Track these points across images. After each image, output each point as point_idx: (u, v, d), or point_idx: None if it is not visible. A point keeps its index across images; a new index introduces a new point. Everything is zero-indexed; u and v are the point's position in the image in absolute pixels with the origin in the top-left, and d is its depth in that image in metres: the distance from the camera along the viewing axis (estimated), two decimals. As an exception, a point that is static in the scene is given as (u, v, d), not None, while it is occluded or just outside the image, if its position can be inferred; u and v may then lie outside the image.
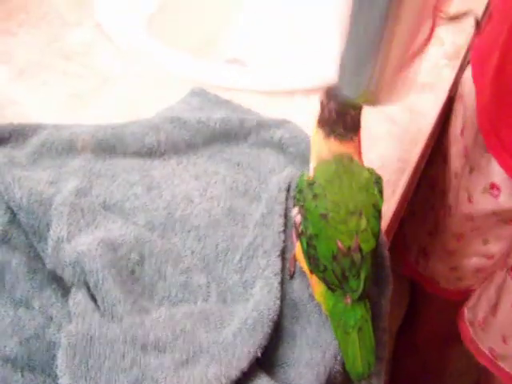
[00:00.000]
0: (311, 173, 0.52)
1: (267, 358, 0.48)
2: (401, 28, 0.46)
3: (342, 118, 0.51)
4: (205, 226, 0.58)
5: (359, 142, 0.52)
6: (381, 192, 0.51)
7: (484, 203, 0.83)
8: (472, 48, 0.84)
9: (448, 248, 0.96)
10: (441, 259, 0.99)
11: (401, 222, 1.03)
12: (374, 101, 0.52)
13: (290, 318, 0.52)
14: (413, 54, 0.49)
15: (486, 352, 0.94)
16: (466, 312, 0.99)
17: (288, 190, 0.61)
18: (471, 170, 0.84)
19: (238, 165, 0.65)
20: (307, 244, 0.50)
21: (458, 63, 0.91)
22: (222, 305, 0.52)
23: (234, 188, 0.62)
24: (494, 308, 0.90)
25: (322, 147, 0.52)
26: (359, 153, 0.53)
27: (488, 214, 0.84)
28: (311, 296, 0.53)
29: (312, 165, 0.53)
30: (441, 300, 1.07)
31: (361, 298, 0.48)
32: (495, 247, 0.90)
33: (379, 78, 0.49)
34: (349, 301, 0.48)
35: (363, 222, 0.48)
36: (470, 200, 0.85)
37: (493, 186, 0.80)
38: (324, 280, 0.49)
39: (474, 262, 0.95)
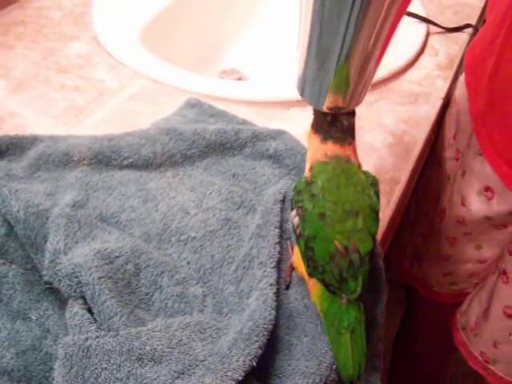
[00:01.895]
0: (307, 173, 0.53)
1: (263, 369, 0.48)
2: (361, 37, 0.45)
3: (337, 123, 0.51)
4: (201, 237, 0.58)
5: (355, 146, 0.53)
6: (377, 194, 0.51)
7: (478, 206, 0.83)
8: (466, 54, 0.84)
9: (442, 253, 0.96)
10: (434, 264, 1.00)
11: (397, 227, 1.03)
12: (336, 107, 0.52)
13: (286, 329, 0.52)
14: (375, 58, 0.48)
15: (478, 356, 0.95)
16: (459, 317, 0.99)
17: (283, 202, 0.61)
18: (463, 173, 0.85)
19: (234, 176, 0.65)
20: (305, 246, 0.50)
21: (451, 73, 0.91)
22: (217, 316, 0.52)
23: (230, 199, 0.62)
24: (486, 313, 0.90)
25: (318, 151, 0.52)
26: (356, 156, 0.53)
27: (480, 218, 0.84)
28: (306, 306, 0.53)
29: (307, 166, 0.54)
30: (437, 305, 1.07)
31: (356, 299, 0.48)
32: (488, 252, 0.90)
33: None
34: (344, 301, 0.48)
35: (360, 222, 0.48)
36: (463, 203, 0.86)
37: (487, 189, 0.81)
38: (323, 282, 0.49)
39: (467, 267, 0.95)
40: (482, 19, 1.10)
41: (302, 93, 0.53)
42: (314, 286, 0.51)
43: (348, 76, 0.48)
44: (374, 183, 0.52)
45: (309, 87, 0.51)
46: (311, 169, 0.52)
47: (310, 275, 0.51)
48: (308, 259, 0.50)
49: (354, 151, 0.53)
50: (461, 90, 0.85)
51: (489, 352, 0.92)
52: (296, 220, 0.51)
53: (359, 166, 0.53)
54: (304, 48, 0.48)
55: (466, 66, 0.82)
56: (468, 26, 1.01)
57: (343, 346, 0.48)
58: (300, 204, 0.51)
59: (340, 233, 0.48)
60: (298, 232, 0.51)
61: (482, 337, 0.93)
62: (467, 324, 0.96)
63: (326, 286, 0.49)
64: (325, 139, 0.52)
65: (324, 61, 0.48)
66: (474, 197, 0.83)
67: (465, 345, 0.97)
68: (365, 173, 0.52)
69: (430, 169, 0.97)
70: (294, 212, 0.52)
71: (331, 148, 0.51)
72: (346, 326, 0.48)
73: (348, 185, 0.50)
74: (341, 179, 0.50)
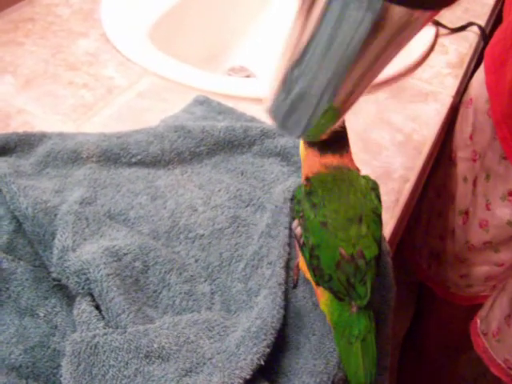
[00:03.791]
0: (304, 182, 0.52)
1: (271, 367, 0.48)
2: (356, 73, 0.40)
3: (332, 134, 0.50)
4: (209, 234, 0.58)
5: (351, 152, 0.52)
6: (378, 197, 0.51)
7: (502, 211, 0.83)
8: (485, 55, 0.83)
9: (459, 256, 0.95)
10: (451, 266, 0.99)
11: (409, 226, 1.03)
12: (310, 137, 0.50)
13: (294, 327, 0.52)
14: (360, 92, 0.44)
15: (501, 362, 0.94)
16: (479, 322, 0.98)
17: (292, 200, 0.61)
18: (488, 177, 0.84)
19: (242, 174, 0.65)
20: (310, 255, 0.49)
21: (461, 72, 0.91)
22: (225, 313, 0.52)
23: (238, 197, 0.62)
24: (508, 319, 0.89)
25: (316, 164, 0.52)
26: (353, 163, 0.52)
27: (504, 223, 0.83)
28: (315, 305, 0.53)
29: (302, 178, 0.53)
30: (450, 306, 1.06)
31: (366, 307, 0.48)
32: (506, 256, 0.90)
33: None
34: (354, 310, 0.48)
35: (363, 228, 0.48)
36: (488, 207, 0.85)
37: (511, 193, 0.80)
38: (330, 290, 0.48)
39: (484, 270, 0.94)
40: (492, 17, 1.09)
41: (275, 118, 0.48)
42: (322, 295, 0.50)
43: (336, 117, 0.45)
44: (374, 187, 0.52)
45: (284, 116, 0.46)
46: (309, 180, 0.52)
47: (317, 284, 0.50)
48: (314, 268, 0.49)
49: (351, 158, 0.52)
50: (478, 91, 0.84)
51: None
52: (298, 230, 0.51)
53: (358, 171, 0.52)
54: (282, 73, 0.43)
55: (486, 67, 0.81)
56: (471, 24, 1.00)
57: (354, 356, 0.47)
58: (301, 214, 0.50)
59: (344, 240, 0.47)
60: (301, 242, 0.51)
61: (505, 343, 0.91)
62: (489, 330, 0.95)
63: (334, 293, 0.48)
64: (323, 152, 0.51)
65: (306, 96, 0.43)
66: (498, 201, 0.83)
67: (487, 351, 0.96)
68: (365, 177, 0.52)
69: (444, 168, 0.96)
70: (295, 222, 0.52)
71: (331, 160, 0.51)
72: (357, 335, 0.47)
73: (349, 192, 0.50)
74: (341, 187, 0.50)
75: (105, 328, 0.48)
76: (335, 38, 0.38)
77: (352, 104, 0.44)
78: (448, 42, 0.97)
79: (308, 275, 0.52)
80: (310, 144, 0.52)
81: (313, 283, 0.51)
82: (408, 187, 0.71)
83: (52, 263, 0.53)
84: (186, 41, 1.00)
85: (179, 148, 0.66)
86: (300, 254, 0.53)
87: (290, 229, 0.57)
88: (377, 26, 0.36)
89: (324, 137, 0.50)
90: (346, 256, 0.47)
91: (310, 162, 0.52)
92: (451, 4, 0.35)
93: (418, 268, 1.08)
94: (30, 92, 0.78)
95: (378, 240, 0.49)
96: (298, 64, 0.41)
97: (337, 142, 0.51)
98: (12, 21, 0.91)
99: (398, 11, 0.35)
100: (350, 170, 0.51)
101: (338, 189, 0.50)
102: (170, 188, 0.62)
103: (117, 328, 0.48)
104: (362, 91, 0.43)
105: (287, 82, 0.43)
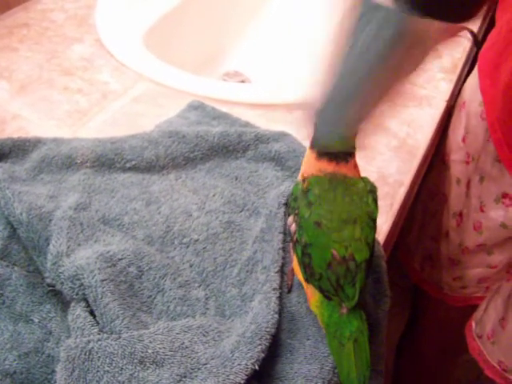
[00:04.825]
0: (301, 182, 0.52)
1: (265, 372, 0.48)
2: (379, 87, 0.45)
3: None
4: (203, 239, 0.58)
5: (355, 163, 0.52)
6: (375, 201, 0.51)
7: (495, 213, 0.83)
8: (479, 59, 0.84)
9: (452, 258, 0.96)
10: (444, 268, 0.99)
11: (403, 229, 1.03)
12: (342, 147, 0.52)
13: (288, 332, 0.52)
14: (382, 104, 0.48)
15: (495, 365, 0.94)
16: (474, 325, 0.98)
17: (286, 205, 0.61)
18: (481, 179, 0.84)
19: (237, 179, 0.65)
20: (302, 252, 0.50)
21: (455, 76, 0.91)
22: (220, 318, 0.52)
23: (233, 202, 0.62)
24: (503, 321, 0.89)
25: (312, 167, 0.52)
26: (355, 171, 0.52)
27: (497, 225, 0.84)
28: (309, 310, 0.53)
29: (300, 177, 0.54)
30: (445, 309, 1.06)
31: (356, 309, 0.48)
32: (499, 257, 0.90)
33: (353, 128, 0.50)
34: (344, 311, 0.48)
35: (357, 231, 0.48)
36: (482, 209, 0.85)
37: (505, 196, 0.80)
38: (320, 288, 0.49)
39: (477, 272, 0.95)
40: (484, 22, 1.10)
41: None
42: (313, 295, 0.50)
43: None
44: (372, 190, 0.52)
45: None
46: (305, 180, 0.52)
47: (307, 281, 0.50)
48: (305, 266, 0.50)
49: (353, 168, 0.52)
50: (471, 94, 0.85)
51: (507, 361, 0.91)
52: (293, 227, 0.51)
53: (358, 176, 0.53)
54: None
55: (480, 71, 0.82)
56: (464, 29, 1.01)
57: (346, 357, 0.47)
58: (296, 211, 0.51)
59: (337, 242, 0.48)
60: (295, 238, 0.51)
61: (499, 345, 0.92)
62: (483, 332, 0.95)
63: (322, 291, 0.48)
64: (320, 156, 0.51)
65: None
66: (492, 203, 0.83)
67: (481, 354, 0.96)
68: (363, 179, 0.52)
69: (437, 171, 0.97)
70: (290, 218, 0.52)
71: (326, 165, 0.51)
72: (348, 337, 0.47)
73: (344, 194, 0.50)
74: (337, 190, 0.50)
75: (99, 334, 0.48)
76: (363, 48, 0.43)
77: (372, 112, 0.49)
78: (441, 47, 0.97)
79: (300, 275, 0.52)
80: (313, 145, 0.52)
81: (303, 282, 0.52)
82: (402, 191, 0.71)
83: (46, 269, 0.53)
84: (181, 46, 1.00)
85: (173, 153, 0.66)
86: (294, 257, 0.53)
87: (285, 234, 0.58)
88: (398, 37, 0.39)
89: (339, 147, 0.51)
90: (337, 257, 0.47)
91: (309, 162, 0.53)
92: (472, 18, 0.37)
93: (411, 270, 1.08)
94: (24, 97, 0.78)
95: (371, 244, 0.49)
96: (335, 72, 0.47)
97: (338, 152, 0.51)
98: (6, 26, 0.91)
99: (420, 23, 0.37)
100: (347, 177, 0.51)
101: (334, 190, 0.50)
102: (164, 193, 0.62)
103: (111, 333, 0.48)
104: (378, 102, 0.48)
105: (327, 88, 0.48)
